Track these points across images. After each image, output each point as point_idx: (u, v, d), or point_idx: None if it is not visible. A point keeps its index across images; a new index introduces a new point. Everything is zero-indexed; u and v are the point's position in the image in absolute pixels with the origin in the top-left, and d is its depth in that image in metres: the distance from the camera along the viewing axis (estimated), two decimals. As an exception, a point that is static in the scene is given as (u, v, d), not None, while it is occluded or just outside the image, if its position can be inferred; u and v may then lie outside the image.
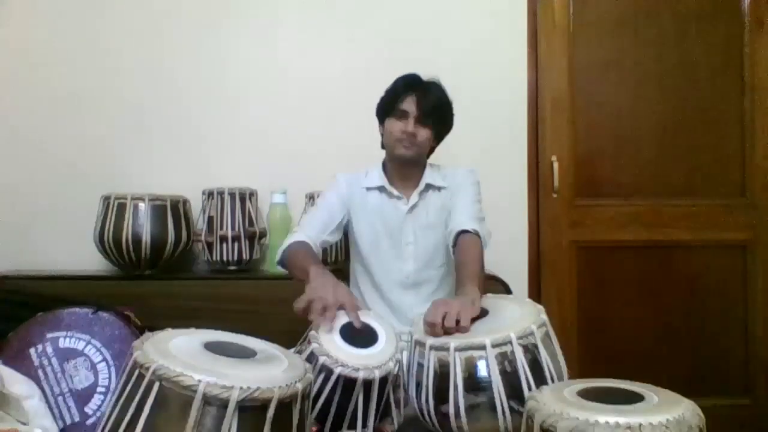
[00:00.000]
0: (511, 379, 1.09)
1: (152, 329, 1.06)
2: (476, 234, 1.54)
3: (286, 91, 2.33)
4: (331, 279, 1.33)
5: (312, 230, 1.63)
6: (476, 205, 1.66)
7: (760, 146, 2.41)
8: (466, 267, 1.45)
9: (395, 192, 1.69)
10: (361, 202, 1.70)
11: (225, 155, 2.31)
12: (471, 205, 1.64)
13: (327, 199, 1.71)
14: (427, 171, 1.71)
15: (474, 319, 1.24)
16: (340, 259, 2.01)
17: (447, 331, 1.19)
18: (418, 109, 1.60)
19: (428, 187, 1.70)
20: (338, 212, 1.68)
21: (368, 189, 1.70)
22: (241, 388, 0.86)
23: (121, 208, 2.01)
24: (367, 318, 1.30)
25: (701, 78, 2.42)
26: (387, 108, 1.66)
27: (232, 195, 2.11)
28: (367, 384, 1.14)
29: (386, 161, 1.74)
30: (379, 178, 1.71)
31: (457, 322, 1.18)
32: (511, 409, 1.08)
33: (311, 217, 1.69)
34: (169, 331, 1.03)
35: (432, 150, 1.77)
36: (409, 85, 1.63)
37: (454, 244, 1.56)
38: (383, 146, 1.75)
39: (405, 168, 1.69)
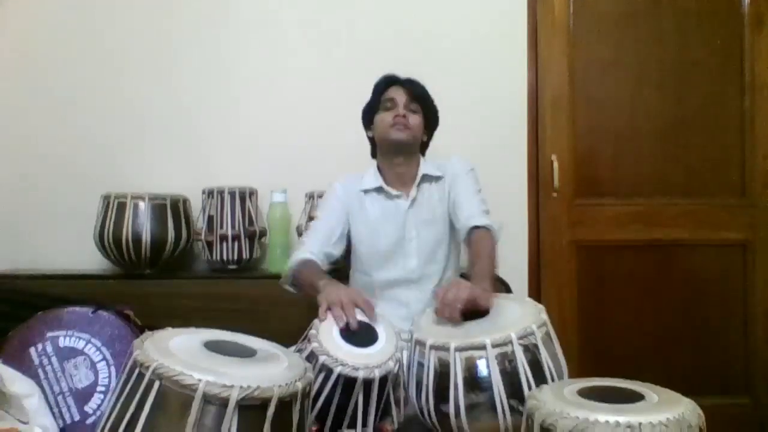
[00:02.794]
0: (511, 379, 1.09)
1: (152, 328, 1.06)
2: (488, 229, 1.55)
3: (285, 90, 2.33)
4: (340, 285, 1.39)
5: (314, 245, 1.63)
6: (479, 196, 1.67)
7: (760, 146, 2.40)
8: (478, 264, 1.46)
9: (393, 191, 1.69)
10: (359, 206, 1.70)
11: (225, 155, 2.30)
12: (474, 196, 1.66)
13: (326, 210, 1.71)
14: (422, 165, 1.72)
15: (474, 318, 1.24)
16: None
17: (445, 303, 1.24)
18: (406, 95, 1.66)
19: (425, 178, 1.70)
20: (338, 222, 1.68)
21: (365, 192, 1.70)
22: (241, 387, 0.87)
23: (121, 208, 2.01)
24: (366, 318, 1.30)
25: (701, 77, 2.41)
26: (373, 106, 1.71)
27: (232, 194, 2.11)
28: (367, 383, 1.14)
29: (380, 162, 1.74)
30: (375, 179, 1.71)
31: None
32: (511, 408, 1.08)
33: (312, 231, 1.69)
34: (169, 331, 1.04)
35: (425, 146, 1.79)
36: (390, 78, 1.71)
37: (467, 240, 1.58)
38: (373, 155, 1.78)
39: (400, 164, 1.69)
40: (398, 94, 1.67)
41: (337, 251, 1.69)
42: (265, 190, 2.18)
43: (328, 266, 1.67)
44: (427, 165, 1.72)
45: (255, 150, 2.30)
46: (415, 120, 1.67)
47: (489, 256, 1.49)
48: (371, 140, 1.78)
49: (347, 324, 1.24)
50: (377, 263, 1.68)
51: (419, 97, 1.68)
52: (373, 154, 1.80)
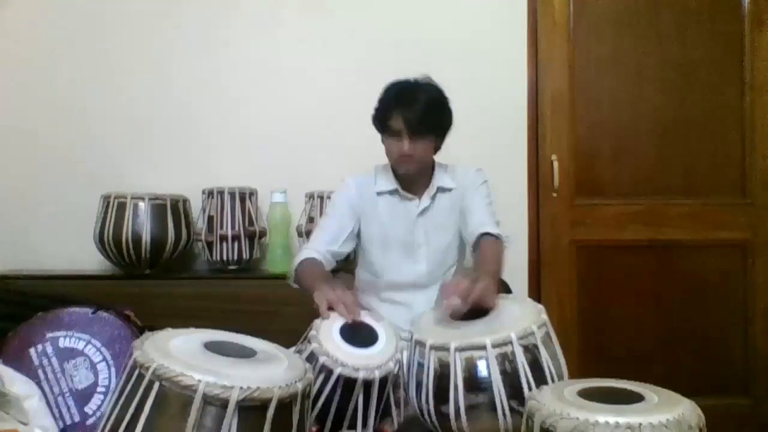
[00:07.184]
0: (511, 380, 1.09)
1: (152, 329, 1.06)
2: (498, 237, 1.54)
3: (285, 90, 2.33)
4: (331, 283, 1.38)
5: (322, 244, 1.61)
6: (490, 208, 1.66)
7: (760, 146, 2.40)
8: (486, 265, 1.44)
9: (407, 194, 1.67)
10: (371, 206, 1.67)
11: (225, 155, 2.30)
12: (486, 206, 1.65)
13: (337, 208, 1.68)
14: (437, 173, 1.69)
15: (474, 318, 1.24)
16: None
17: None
18: (407, 127, 1.54)
19: (439, 189, 1.68)
20: (349, 221, 1.65)
21: (379, 194, 1.67)
22: (241, 388, 0.87)
23: (121, 208, 2.01)
24: (366, 318, 1.30)
25: (701, 77, 2.41)
26: (380, 124, 1.63)
27: (232, 194, 2.11)
28: (367, 384, 1.14)
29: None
30: (390, 182, 1.67)
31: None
32: (511, 409, 1.08)
33: (321, 230, 1.66)
34: (169, 331, 1.03)
35: (437, 148, 1.75)
36: (394, 98, 1.58)
37: (475, 245, 1.56)
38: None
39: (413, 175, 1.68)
40: (400, 125, 1.54)
41: (346, 249, 1.66)
42: (265, 191, 2.18)
43: (335, 264, 1.65)
44: (442, 175, 1.68)
45: (255, 150, 2.30)
46: (422, 146, 1.57)
47: (496, 259, 1.48)
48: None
49: (349, 322, 1.24)
50: (386, 265, 1.67)
51: (422, 123, 1.55)
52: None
